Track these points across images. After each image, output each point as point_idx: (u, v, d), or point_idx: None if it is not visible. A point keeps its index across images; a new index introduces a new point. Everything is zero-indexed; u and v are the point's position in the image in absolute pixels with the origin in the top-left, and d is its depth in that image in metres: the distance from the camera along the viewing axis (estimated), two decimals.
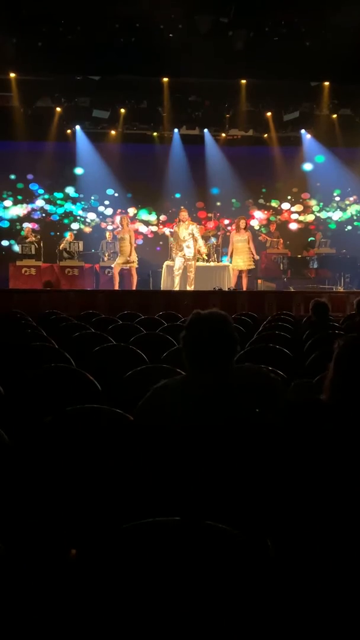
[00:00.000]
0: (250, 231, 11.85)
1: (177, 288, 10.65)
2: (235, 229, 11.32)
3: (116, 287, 10.97)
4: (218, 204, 14.54)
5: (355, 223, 14.70)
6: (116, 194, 14.36)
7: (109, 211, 14.36)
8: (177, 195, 14.29)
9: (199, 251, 10.85)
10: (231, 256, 11.25)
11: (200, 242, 10.92)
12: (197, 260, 11.27)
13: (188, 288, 10.63)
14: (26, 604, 1.35)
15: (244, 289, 11.04)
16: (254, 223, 14.16)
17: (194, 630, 1.32)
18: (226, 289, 10.86)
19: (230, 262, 11.34)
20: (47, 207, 14.41)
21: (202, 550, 1.37)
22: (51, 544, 1.88)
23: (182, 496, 1.82)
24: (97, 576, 1.34)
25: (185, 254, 10.66)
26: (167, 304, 8.94)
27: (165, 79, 11.50)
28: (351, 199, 14.59)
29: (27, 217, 14.18)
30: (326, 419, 1.82)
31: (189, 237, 10.69)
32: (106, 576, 1.34)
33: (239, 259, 11.07)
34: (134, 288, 11.13)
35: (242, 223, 11.24)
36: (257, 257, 11.51)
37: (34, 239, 12.56)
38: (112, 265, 11.34)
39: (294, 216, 14.59)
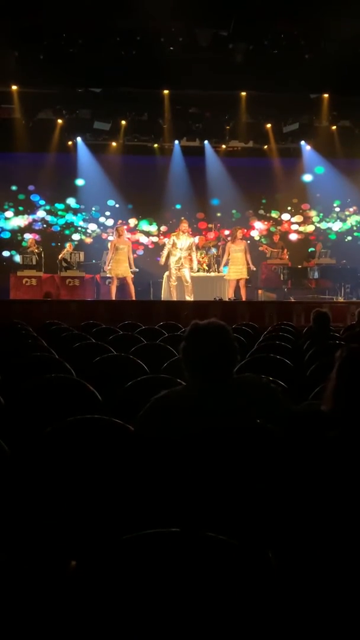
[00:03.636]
0: (249, 242, 11.85)
1: (174, 299, 10.66)
2: (232, 239, 11.29)
3: (113, 297, 10.95)
4: (218, 214, 14.58)
5: (356, 234, 14.73)
6: (117, 205, 14.41)
7: (109, 222, 14.40)
8: (178, 206, 14.34)
9: (191, 264, 10.79)
10: (225, 265, 11.24)
11: (195, 256, 10.93)
12: (198, 271, 11.26)
13: (187, 298, 10.63)
14: (25, 615, 1.34)
15: (244, 299, 11.03)
16: (254, 234, 14.20)
17: None
18: (226, 299, 10.86)
19: (225, 272, 11.33)
20: (48, 218, 14.45)
21: (202, 562, 1.36)
22: (51, 555, 1.87)
23: (182, 507, 1.81)
24: (96, 588, 1.34)
25: (182, 264, 10.66)
26: (168, 314, 8.95)
27: (166, 91, 11.57)
28: (351, 209, 14.64)
29: (28, 228, 14.22)
30: (327, 429, 1.81)
31: (187, 248, 10.72)
32: (106, 588, 1.34)
33: (233, 269, 11.00)
34: (133, 298, 11.13)
35: (239, 233, 11.21)
36: (253, 268, 11.33)
37: (36, 250, 12.59)
38: (111, 275, 11.26)
39: (294, 227, 14.63)
